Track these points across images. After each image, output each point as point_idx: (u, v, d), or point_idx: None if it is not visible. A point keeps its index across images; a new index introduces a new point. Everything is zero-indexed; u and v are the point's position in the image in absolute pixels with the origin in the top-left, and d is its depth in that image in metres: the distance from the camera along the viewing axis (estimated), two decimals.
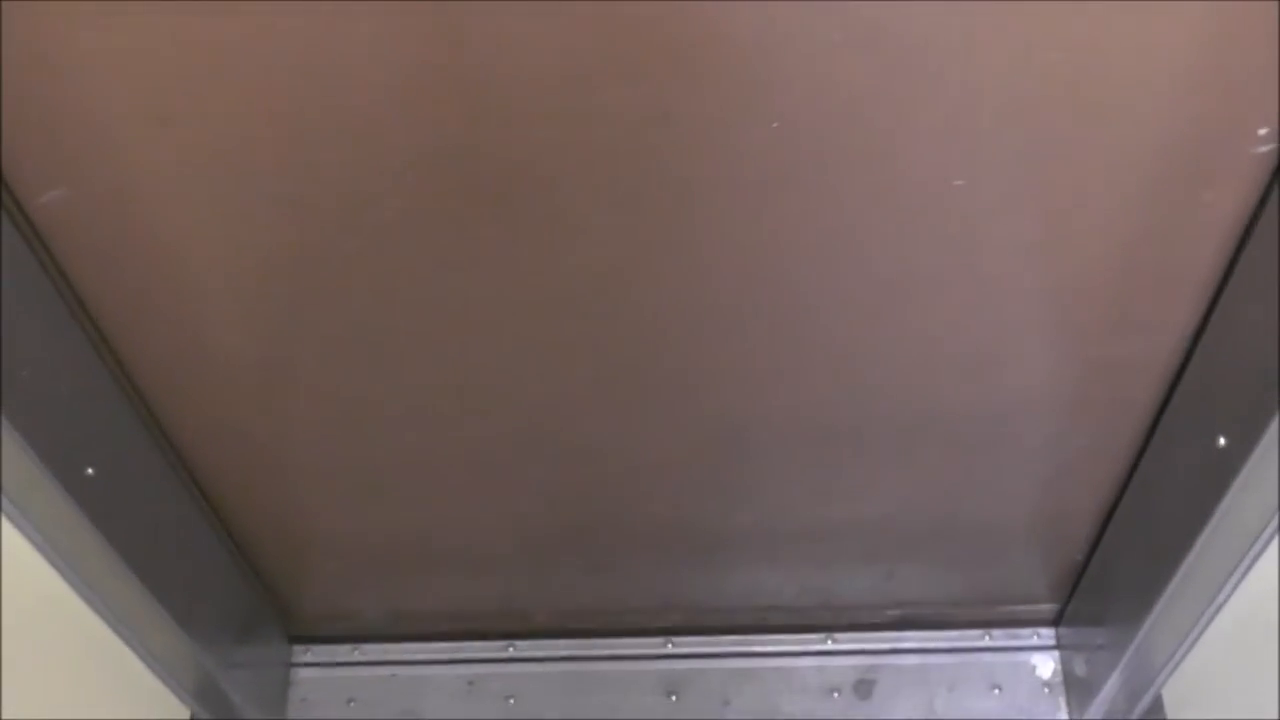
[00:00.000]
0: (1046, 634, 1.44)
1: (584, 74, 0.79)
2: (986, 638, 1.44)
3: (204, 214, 0.90)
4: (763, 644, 1.47)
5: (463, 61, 0.78)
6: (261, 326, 1.03)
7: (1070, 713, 1.40)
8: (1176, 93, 0.80)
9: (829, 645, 1.46)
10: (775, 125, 0.83)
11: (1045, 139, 0.84)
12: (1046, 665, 1.43)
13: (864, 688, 1.44)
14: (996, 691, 1.42)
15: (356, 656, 1.49)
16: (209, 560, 1.22)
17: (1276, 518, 0.95)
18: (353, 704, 1.46)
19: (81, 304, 0.96)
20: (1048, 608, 1.42)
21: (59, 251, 0.92)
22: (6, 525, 0.94)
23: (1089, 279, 0.96)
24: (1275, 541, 0.97)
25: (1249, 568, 1.02)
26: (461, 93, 0.81)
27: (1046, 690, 1.41)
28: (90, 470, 0.96)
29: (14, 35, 0.75)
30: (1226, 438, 0.96)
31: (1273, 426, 0.88)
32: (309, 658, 1.49)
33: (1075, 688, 1.39)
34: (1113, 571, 1.26)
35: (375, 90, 0.80)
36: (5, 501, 0.92)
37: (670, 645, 1.48)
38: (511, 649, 1.48)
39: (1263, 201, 0.87)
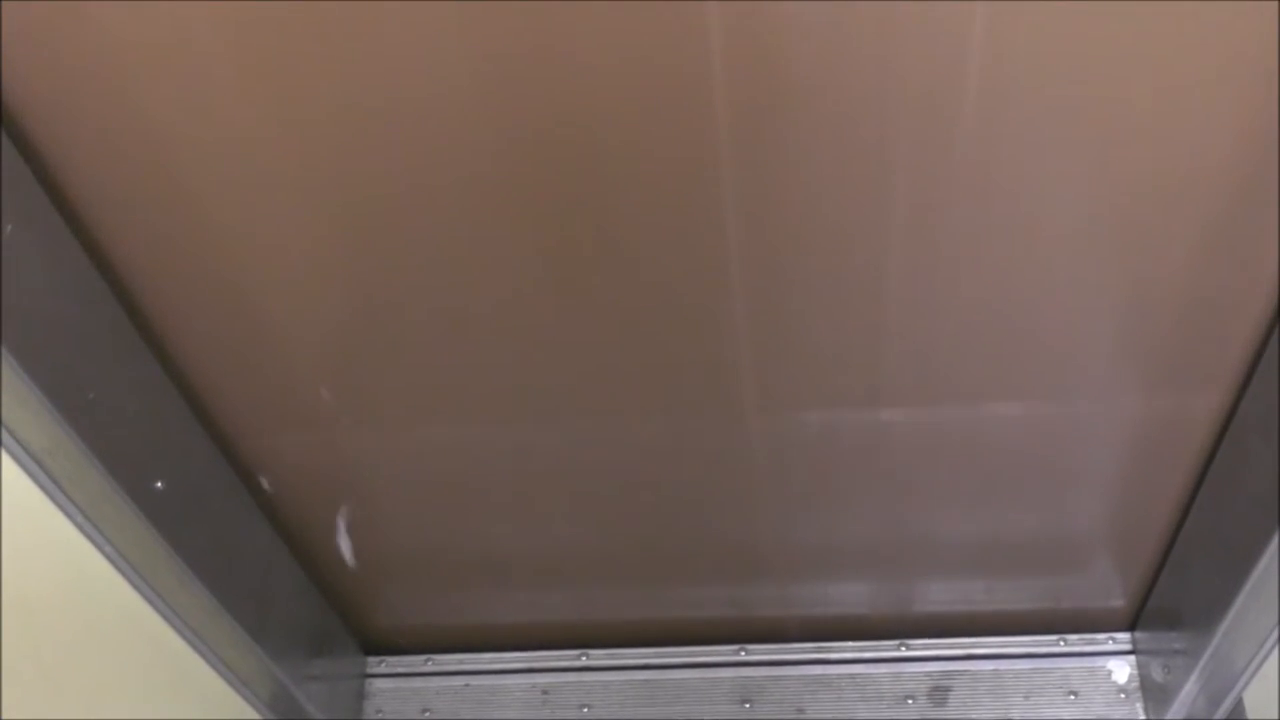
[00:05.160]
0: (1122, 638, 1.42)
1: (653, 99, 0.81)
2: (1061, 643, 1.42)
3: (265, 221, 0.93)
4: (837, 651, 1.46)
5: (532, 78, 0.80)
6: (331, 342, 1.05)
7: (1148, 718, 1.37)
8: None
9: (903, 652, 1.45)
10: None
11: None
12: (1123, 670, 1.40)
13: (939, 695, 1.42)
14: (1072, 698, 1.39)
15: (430, 667, 1.50)
16: (281, 573, 1.24)
17: None
18: (427, 714, 1.47)
19: (148, 323, 0.98)
20: (1123, 612, 1.40)
21: (125, 273, 0.94)
22: (80, 538, 0.96)
23: (1161, 285, 0.96)
24: None
25: None
26: (533, 111, 0.82)
27: (1123, 696, 1.39)
28: (159, 484, 0.98)
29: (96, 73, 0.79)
30: None
31: None
32: (383, 669, 1.51)
33: (1152, 693, 1.36)
34: (1187, 575, 1.23)
35: (445, 111, 0.82)
36: (78, 514, 0.94)
37: (744, 653, 1.47)
38: (585, 658, 1.49)
39: None
